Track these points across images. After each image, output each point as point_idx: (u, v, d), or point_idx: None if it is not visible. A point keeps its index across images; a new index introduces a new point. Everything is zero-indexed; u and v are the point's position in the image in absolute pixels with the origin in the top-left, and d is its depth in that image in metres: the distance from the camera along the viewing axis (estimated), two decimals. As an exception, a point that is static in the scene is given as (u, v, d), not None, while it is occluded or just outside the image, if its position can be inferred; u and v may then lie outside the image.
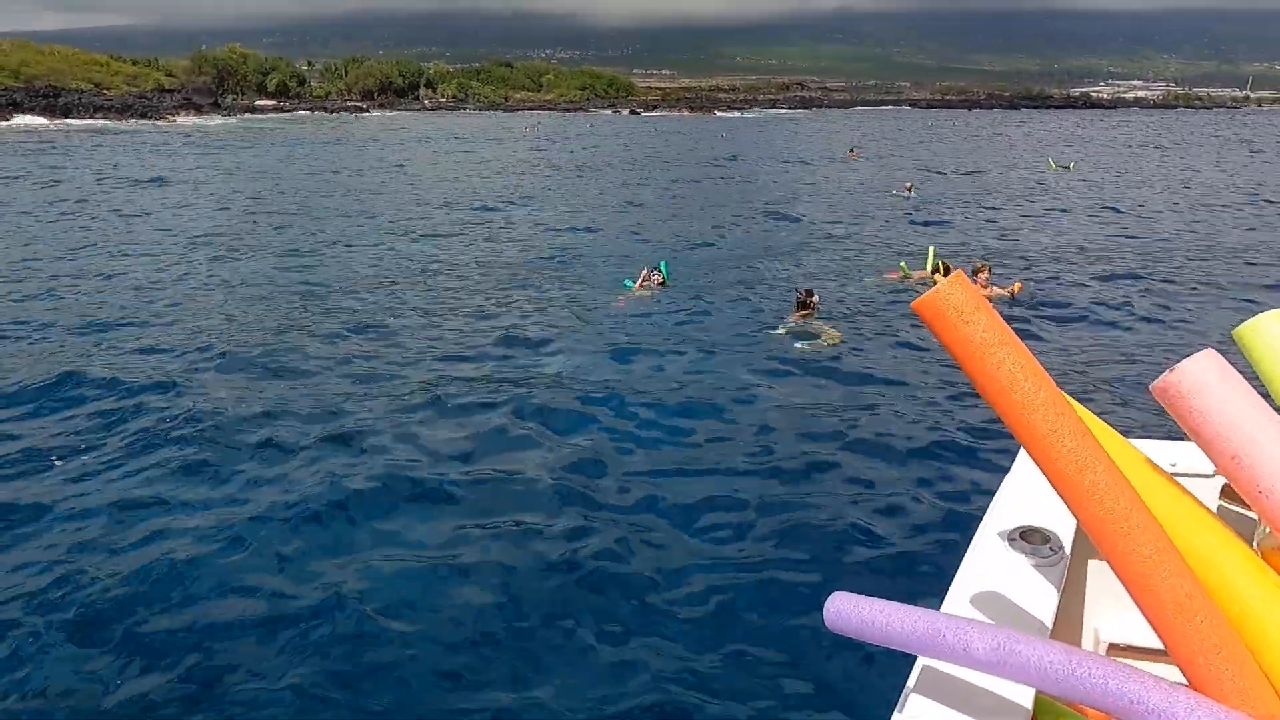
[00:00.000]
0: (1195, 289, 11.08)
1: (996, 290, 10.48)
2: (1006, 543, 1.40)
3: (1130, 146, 45.60)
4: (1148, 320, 9.62)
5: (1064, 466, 0.94)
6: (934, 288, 0.99)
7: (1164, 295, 10.79)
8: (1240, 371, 0.98)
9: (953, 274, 1.00)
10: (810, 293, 9.57)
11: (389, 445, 6.10)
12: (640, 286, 11.18)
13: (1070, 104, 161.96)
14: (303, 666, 3.72)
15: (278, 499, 5.24)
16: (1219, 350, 0.94)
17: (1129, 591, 0.95)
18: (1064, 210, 19.15)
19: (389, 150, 41.06)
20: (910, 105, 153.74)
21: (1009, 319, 9.53)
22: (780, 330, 9.28)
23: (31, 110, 67.30)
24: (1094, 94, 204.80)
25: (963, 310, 0.95)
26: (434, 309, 10.17)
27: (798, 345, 8.67)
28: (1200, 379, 0.94)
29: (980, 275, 10.49)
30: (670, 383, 7.47)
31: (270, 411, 6.65)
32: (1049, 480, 0.98)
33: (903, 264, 11.89)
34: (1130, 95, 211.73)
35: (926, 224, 17.11)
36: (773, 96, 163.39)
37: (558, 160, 35.36)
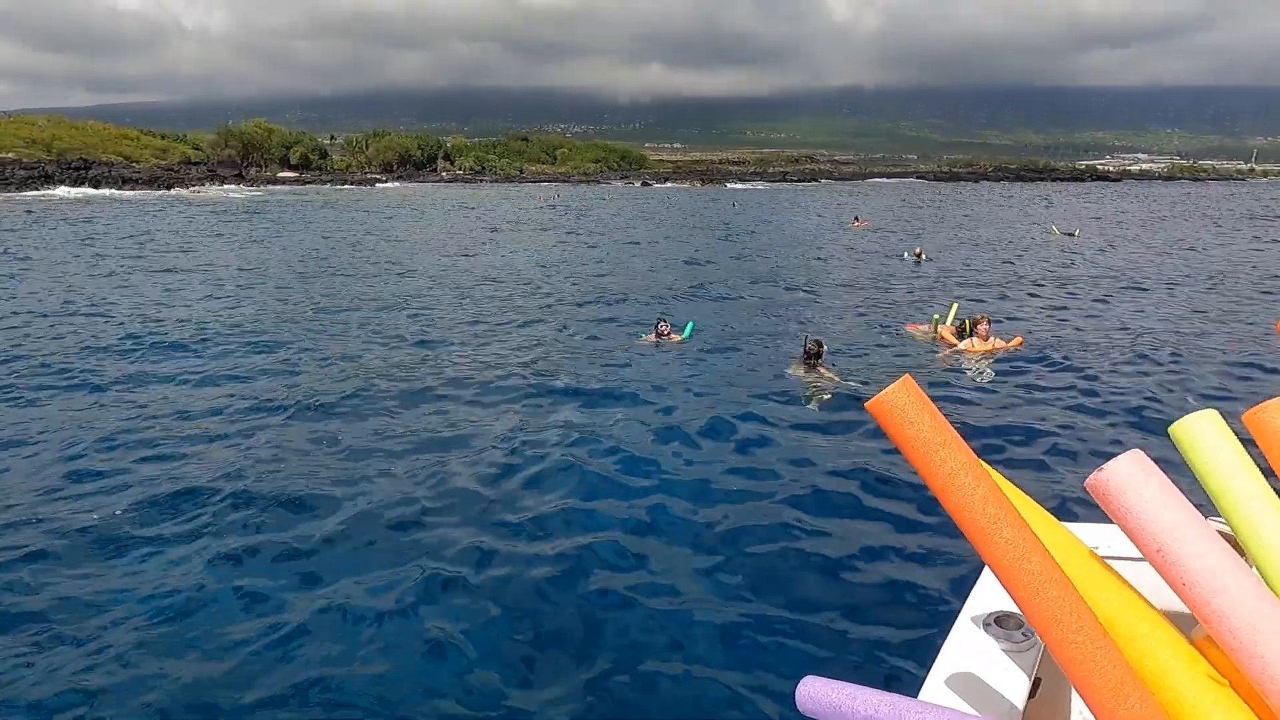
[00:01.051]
0: (1193, 361, 10.92)
1: (999, 343, 10.72)
2: (981, 627, 1.41)
3: (1133, 215, 46.04)
4: (1132, 390, 9.47)
5: (1002, 556, 1.01)
6: (883, 391, 1.05)
7: (1154, 366, 10.65)
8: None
9: (899, 380, 1.07)
10: (819, 343, 9.56)
11: (407, 491, 6.08)
12: (655, 339, 11.42)
13: (1077, 176, 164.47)
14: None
15: (299, 541, 5.19)
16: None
17: (1066, 672, 1.01)
18: (1065, 276, 19.23)
19: (402, 217, 41.96)
20: (918, 178, 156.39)
21: (1009, 371, 9.52)
22: (788, 375, 9.33)
23: (62, 182, 69.56)
24: (1100, 167, 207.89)
25: (907, 412, 1.03)
26: (450, 361, 10.21)
27: (807, 404, 8.62)
28: (1125, 478, 1.00)
29: (980, 327, 10.77)
30: (669, 442, 7.40)
31: (288, 461, 6.63)
32: (990, 568, 1.05)
33: (935, 316, 12.00)
34: (1136, 168, 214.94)
35: (934, 286, 17.20)
36: (783, 169, 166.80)
37: (576, 227, 36.00)
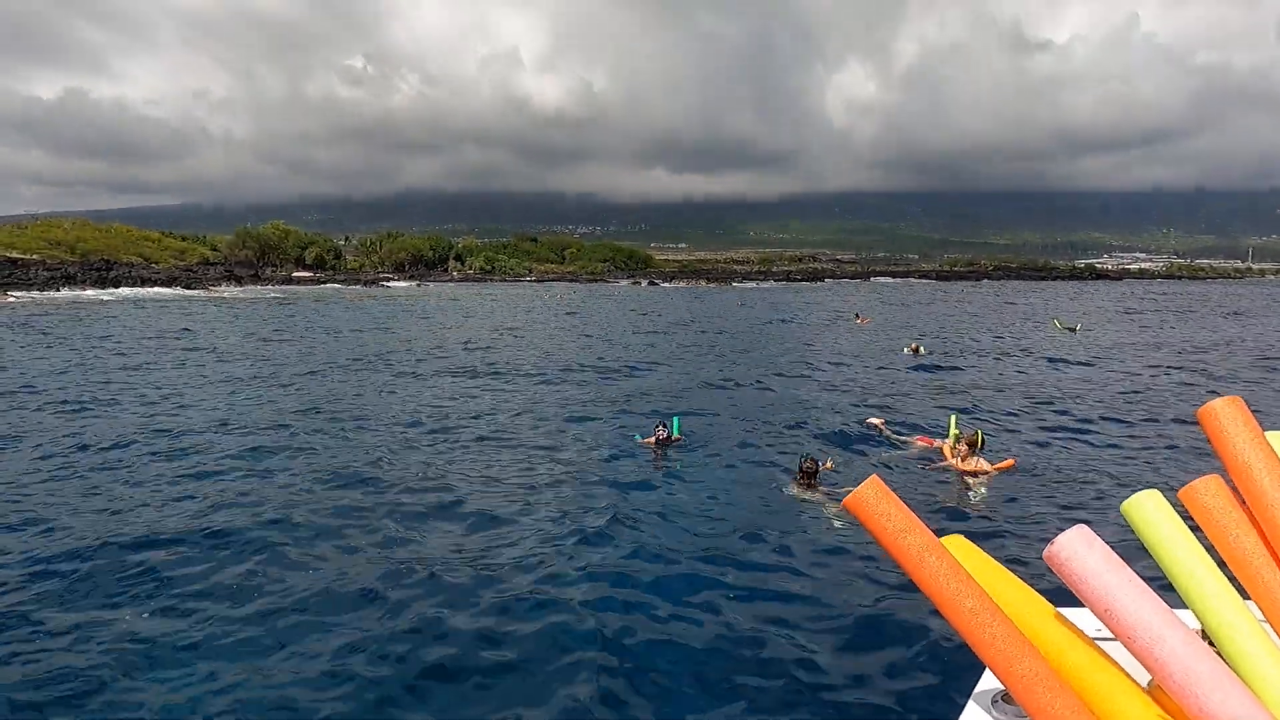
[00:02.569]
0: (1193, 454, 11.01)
1: (984, 464, 10.43)
2: (990, 705, 1.49)
3: (1136, 312, 46.55)
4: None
5: (968, 623, 1.17)
6: (855, 489, 1.22)
7: (1164, 458, 10.75)
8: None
9: (868, 479, 1.23)
10: (815, 461, 9.58)
11: (406, 601, 6.06)
12: (654, 443, 11.48)
13: (1077, 275, 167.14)
14: None
15: (306, 656, 5.17)
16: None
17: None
18: (1067, 369, 19.41)
19: (411, 316, 42.71)
20: (920, 277, 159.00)
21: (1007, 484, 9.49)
22: (786, 492, 9.32)
23: (84, 283, 71.35)
24: (1099, 266, 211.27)
25: (877, 506, 1.20)
26: (449, 463, 10.28)
27: (805, 514, 8.63)
28: (1073, 549, 1.15)
29: (960, 445, 10.61)
30: (667, 548, 7.41)
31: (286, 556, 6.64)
32: (959, 633, 1.19)
33: (954, 428, 11.87)
34: (1135, 267, 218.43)
35: (934, 386, 17.34)
36: (786, 268, 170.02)
37: (585, 327, 36.55)
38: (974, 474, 10.24)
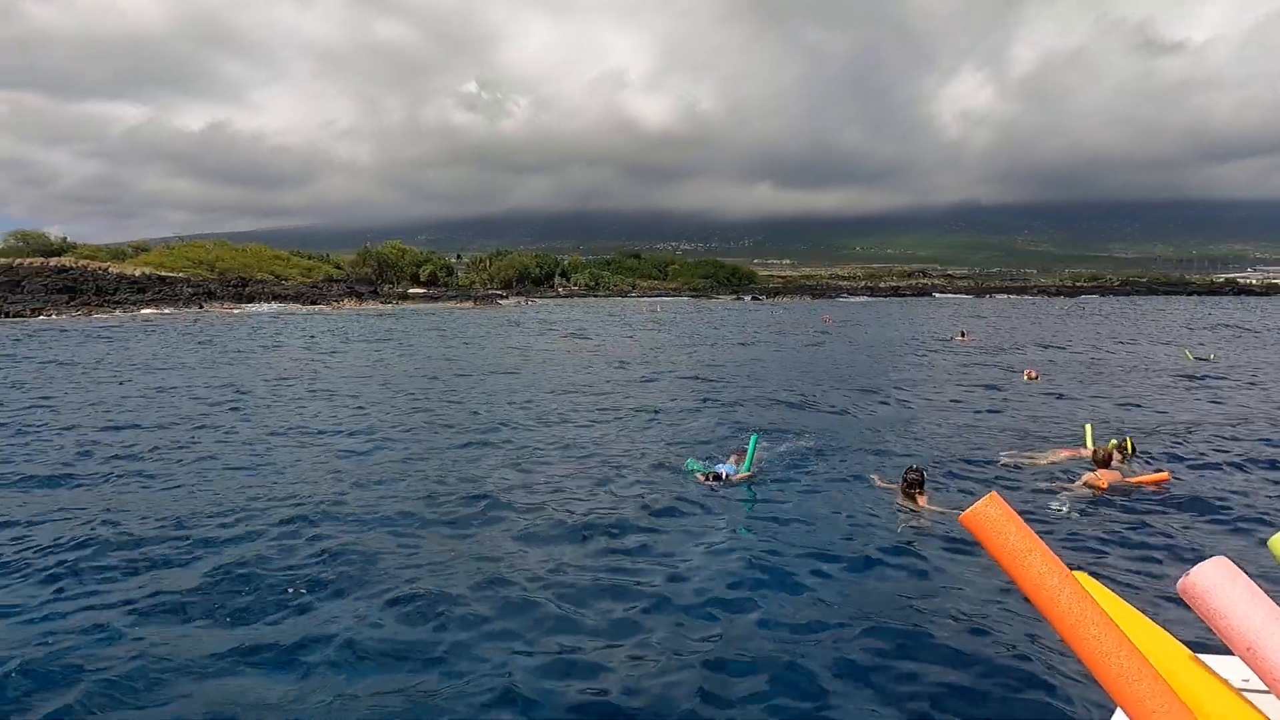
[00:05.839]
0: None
1: (1120, 475, 9.85)
2: None
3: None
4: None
5: (1092, 651, 1.08)
6: (972, 506, 1.18)
7: None
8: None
9: (987, 496, 1.18)
10: (921, 472, 9.31)
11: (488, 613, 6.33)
12: (708, 479, 10.15)
13: (1215, 290, 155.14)
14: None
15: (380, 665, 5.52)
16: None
17: None
18: (1205, 402, 18.07)
19: (520, 332, 44.03)
20: (1039, 293, 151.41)
21: (1150, 504, 8.95)
22: (890, 501, 9.11)
23: (223, 299, 77.21)
24: (1241, 280, 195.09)
25: (996, 524, 1.15)
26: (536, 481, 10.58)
27: (902, 533, 8.43)
28: (1213, 581, 1.07)
29: (1116, 454, 10.07)
30: (763, 577, 7.33)
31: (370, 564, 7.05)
32: (1083, 662, 1.11)
33: (1090, 438, 11.11)
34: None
35: (1050, 414, 16.50)
36: (894, 284, 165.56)
37: (674, 340, 36.80)
38: (1109, 487, 9.53)
